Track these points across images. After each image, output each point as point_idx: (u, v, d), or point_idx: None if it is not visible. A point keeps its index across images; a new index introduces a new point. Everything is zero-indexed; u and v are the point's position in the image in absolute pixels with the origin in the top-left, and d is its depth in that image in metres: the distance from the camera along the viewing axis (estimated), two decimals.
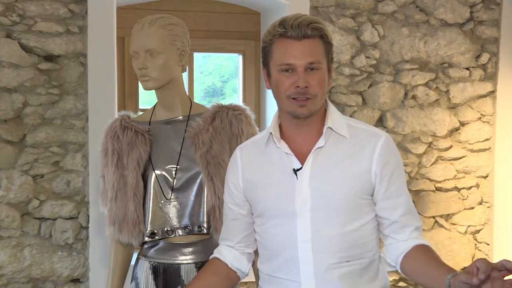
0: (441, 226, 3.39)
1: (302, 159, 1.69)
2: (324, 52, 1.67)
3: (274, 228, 1.72)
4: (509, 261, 1.41)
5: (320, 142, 1.69)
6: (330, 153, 1.69)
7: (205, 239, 2.07)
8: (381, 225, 1.73)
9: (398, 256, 1.70)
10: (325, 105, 1.73)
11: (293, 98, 1.65)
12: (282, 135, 1.74)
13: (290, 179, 1.69)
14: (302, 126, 1.70)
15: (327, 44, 1.68)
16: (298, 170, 1.69)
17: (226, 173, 1.85)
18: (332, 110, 1.73)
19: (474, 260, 3.42)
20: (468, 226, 3.43)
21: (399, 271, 1.71)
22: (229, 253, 1.84)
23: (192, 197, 2.05)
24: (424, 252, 1.66)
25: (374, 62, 3.25)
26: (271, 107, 3.25)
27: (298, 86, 1.64)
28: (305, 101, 1.65)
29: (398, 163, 1.73)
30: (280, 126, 1.75)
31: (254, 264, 2.18)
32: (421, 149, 3.33)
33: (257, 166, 1.76)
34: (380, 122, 3.27)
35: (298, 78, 1.64)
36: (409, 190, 3.30)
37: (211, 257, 1.87)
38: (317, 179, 1.67)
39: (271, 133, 1.74)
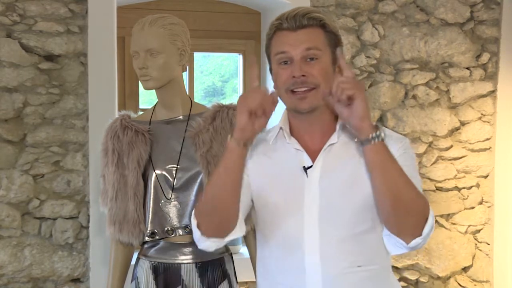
0: (442, 225, 3.39)
1: (312, 156, 1.60)
2: (325, 41, 1.58)
3: (280, 227, 1.61)
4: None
5: (333, 139, 1.60)
6: (342, 151, 1.59)
7: None
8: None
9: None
10: None
11: (292, 92, 1.57)
12: (292, 132, 1.65)
13: (299, 177, 1.60)
14: (312, 122, 1.62)
15: (330, 34, 1.59)
16: (308, 168, 1.59)
17: None
18: None
19: (474, 260, 3.43)
20: (469, 225, 3.43)
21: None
22: None
23: (192, 197, 2.05)
24: None
25: (375, 61, 3.24)
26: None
27: (294, 76, 1.55)
28: (305, 93, 1.56)
29: (410, 165, 1.58)
30: (289, 123, 1.66)
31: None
32: (421, 148, 3.33)
33: (265, 161, 1.66)
34: (380, 122, 3.27)
35: (294, 67, 1.56)
36: None
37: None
38: (327, 178, 1.58)
39: (281, 128, 1.66)
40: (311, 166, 1.60)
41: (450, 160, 3.38)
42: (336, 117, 1.63)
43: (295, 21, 1.58)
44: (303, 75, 1.56)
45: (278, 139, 1.67)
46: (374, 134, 1.48)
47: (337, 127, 1.61)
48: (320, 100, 1.56)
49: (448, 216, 3.40)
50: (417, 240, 1.52)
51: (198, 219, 1.61)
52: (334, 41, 1.60)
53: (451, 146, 3.38)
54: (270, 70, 1.67)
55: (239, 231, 1.63)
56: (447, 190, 3.39)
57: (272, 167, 1.65)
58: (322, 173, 1.59)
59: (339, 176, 1.58)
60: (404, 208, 1.49)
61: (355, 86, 1.48)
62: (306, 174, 1.60)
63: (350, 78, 1.49)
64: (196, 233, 1.63)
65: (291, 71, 1.57)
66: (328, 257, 1.56)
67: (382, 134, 1.49)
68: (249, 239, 2.15)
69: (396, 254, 1.61)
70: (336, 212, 1.57)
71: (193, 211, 1.64)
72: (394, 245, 1.57)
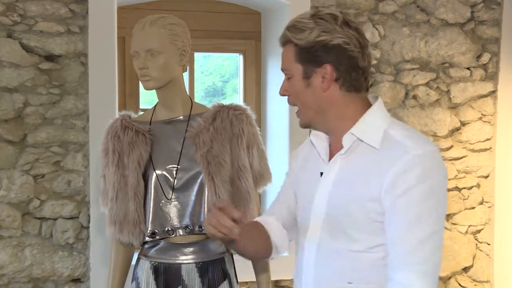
0: None
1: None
2: (295, 57, 1.52)
3: (297, 226, 1.66)
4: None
5: (342, 149, 1.53)
6: (356, 162, 1.51)
7: (205, 239, 2.07)
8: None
9: None
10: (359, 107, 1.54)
11: None
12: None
13: (316, 182, 1.58)
14: (325, 131, 1.59)
15: (302, 50, 1.51)
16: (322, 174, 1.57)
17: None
18: (370, 112, 1.53)
19: (474, 260, 3.43)
20: (469, 226, 3.43)
21: None
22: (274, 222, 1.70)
23: (192, 197, 2.05)
24: None
25: (375, 62, 3.25)
26: (272, 107, 3.26)
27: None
28: (297, 112, 1.58)
29: (420, 193, 1.42)
30: None
31: (254, 264, 2.19)
32: None
33: (302, 164, 1.67)
34: None
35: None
36: None
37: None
38: (336, 188, 1.53)
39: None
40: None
41: (451, 160, 3.38)
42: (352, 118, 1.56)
43: (281, 38, 1.58)
44: (285, 95, 1.58)
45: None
46: None
47: (344, 136, 1.53)
48: (309, 116, 1.55)
49: (448, 216, 3.40)
50: None
51: None
52: (308, 56, 1.51)
53: (452, 146, 3.38)
54: None
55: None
56: (448, 190, 3.38)
57: (305, 167, 1.66)
58: (334, 181, 1.54)
59: (347, 188, 1.52)
60: None
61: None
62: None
63: None
64: None
65: None
66: (321, 266, 1.55)
67: None
68: None
69: None
70: (339, 224, 1.53)
71: None
72: None
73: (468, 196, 3.42)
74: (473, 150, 3.40)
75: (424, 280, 1.42)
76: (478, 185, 3.43)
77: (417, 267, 1.42)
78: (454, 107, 3.37)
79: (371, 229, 1.49)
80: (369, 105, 1.56)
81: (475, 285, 3.45)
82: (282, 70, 1.57)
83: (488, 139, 3.41)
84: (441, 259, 1.47)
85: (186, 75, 2.68)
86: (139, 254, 2.15)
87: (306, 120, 1.57)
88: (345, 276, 1.52)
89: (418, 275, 1.42)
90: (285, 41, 1.55)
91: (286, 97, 1.59)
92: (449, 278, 3.41)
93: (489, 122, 3.41)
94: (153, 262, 2.07)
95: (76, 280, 2.94)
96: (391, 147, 1.48)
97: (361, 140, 1.51)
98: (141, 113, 2.27)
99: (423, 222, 1.43)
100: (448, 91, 3.36)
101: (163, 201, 2.06)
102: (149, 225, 2.07)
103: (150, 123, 2.13)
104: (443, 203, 1.47)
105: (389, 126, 1.52)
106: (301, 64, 1.53)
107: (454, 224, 3.40)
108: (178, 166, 2.06)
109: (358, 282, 1.50)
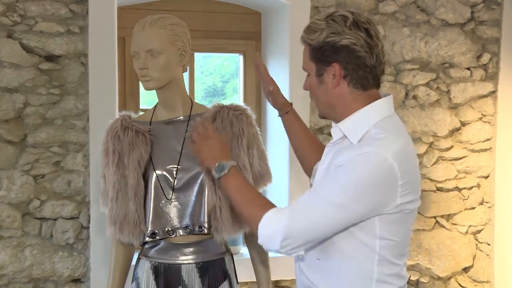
0: (442, 226, 3.39)
1: None
2: (310, 56, 1.69)
3: None
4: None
5: (331, 140, 1.75)
6: (338, 154, 1.66)
7: (206, 239, 2.07)
8: None
9: None
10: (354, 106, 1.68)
11: None
12: None
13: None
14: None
15: (313, 49, 1.67)
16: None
17: None
18: (361, 110, 1.66)
19: (474, 260, 3.43)
20: (469, 226, 3.43)
21: None
22: None
23: (193, 197, 2.05)
24: None
25: None
26: (272, 107, 3.25)
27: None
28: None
29: (333, 177, 1.62)
30: None
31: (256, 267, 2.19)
32: (422, 149, 3.33)
33: None
34: None
35: None
36: None
37: None
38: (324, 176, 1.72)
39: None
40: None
41: (451, 160, 3.38)
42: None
43: (300, 38, 1.73)
44: (307, 89, 1.77)
45: None
46: (216, 174, 1.79)
47: (332, 131, 1.75)
48: (322, 109, 1.74)
49: (448, 217, 3.40)
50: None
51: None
52: (317, 55, 1.67)
53: (452, 147, 3.38)
54: None
55: None
56: (448, 190, 3.39)
57: None
58: (326, 169, 1.72)
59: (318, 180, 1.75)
60: (244, 219, 1.79)
61: (195, 139, 1.90)
62: None
63: (196, 131, 1.90)
64: None
65: None
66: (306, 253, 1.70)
67: (223, 173, 1.77)
68: (251, 238, 2.15)
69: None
70: None
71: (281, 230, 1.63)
72: None
73: (468, 196, 3.42)
74: (473, 150, 3.40)
75: (292, 216, 1.60)
76: (478, 185, 3.43)
77: (294, 205, 1.63)
78: (454, 107, 3.37)
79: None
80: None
81: (475, 285, 3.45)
82: (303, 68, 1.75)
83: (488, 139, 3.41)
84: (325, 232, 1.61)
85: (186, 75, 2.68)
86: (139, 254, 2.15)
87: (321, 112, 1.76)
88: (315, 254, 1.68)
89: (290, 209, 1.62)
90: (303, 41, 1.71)
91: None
92: (449, 278, 3.42)
93: (489, 122, 3.41)
94: (153, 262, 2.08)
95: (76, 280, 2.94)
96: (362, 143, 1.62)
97: (345, 136, 1.67)
98: (141, 113, 2.27)
99: (326, 188, 1.60)
100: (448, 91, 3.36)
101: (163, 201, 2.06)
102: (149, 225, 2.07)
103: (150, 123, 2.13)
104: (359, 197, 1.57)
105: (376, 124, 1.63)
106: (314, 63, 1.68)
107: (454, 224, 3.41)
108: (178, 166, 2.06)
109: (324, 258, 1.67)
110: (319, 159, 1.80)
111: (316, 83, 1.69)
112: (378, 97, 1.68)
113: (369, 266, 1.63)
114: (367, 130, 1.63)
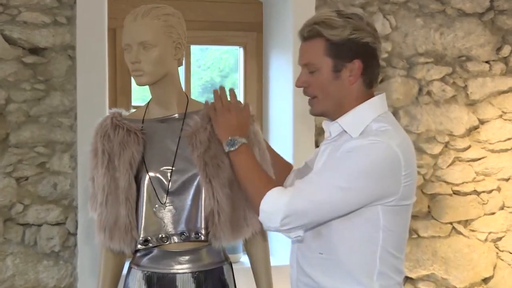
0: (459, 233, 3.39)
1: None
2: (325, 51, 1.79)
3: None
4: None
5: (329, 137, 1.88)
6: (335, 150, 1.82)
7: (202, 246, 2.07)
8: None
9: None
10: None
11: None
12: None
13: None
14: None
15: (333, 45, 1.79)
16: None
17: None
18: (359, 107, 1.82)
19: (495, 270, 3.43)
20: (489, 233, 3.43)
21: None
22: None
23: (188, 201, 2.05)
24: None
25: (386, 55, 3.25)
26: (274, 103, 3.26)
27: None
28: (310, 100, 1.88)
29: (330, 163, 1.80)
30: None
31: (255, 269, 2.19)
32: (437, 149, 3.33)
33: None
34: None
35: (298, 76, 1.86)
36: (424, 193, 3.31)
37: None
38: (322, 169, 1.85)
39: None
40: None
41: (468, 161, 3.38)
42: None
43: (302, 32, 1.84)
44: (304, 86, 1.86)
45: None
46: (226, 147, 1.93)
47: (330, 126, 1.89)
48: (327, 106, 1.84)
49: (466, 223, 3.41)
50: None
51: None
52: (338, 51, 1.79)
53: (469, 147, 3.38)
54: None
55: None
56: (465, 194, 3.39)
57: None
58: (323, 163, 1.87)
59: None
60: (248, 196, 1.92)
61: (212, 108, 2.01)
62: None
63: (221, 100, 2.01)
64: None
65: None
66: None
67: (233, 148, 1.91)
68: (251, 246, 2.15)
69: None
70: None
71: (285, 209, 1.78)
72: None
73: (488, 201, 3.42)
74: (492, 151, 3.41)
75: (295, 195, 1.76)
76: (498, 189, 3.43)
77: (298, 185, 1.78)
78: (472, 104, 3.38)
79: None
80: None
81: None
82: (304, 63, 1.83)
83: (509, 139, 3.42)
84: (326, 215, 1.76)
85: (181, 70, 2.68)
86: (130, 263, 2.15)
87: (323, 109, 1.86)
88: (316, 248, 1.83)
89: (294, 189, 1.78)
90: (313, 35, 1.80)
91: (297, 89, 1.89)
92: None
93: (510, 120, 3.42)
94: (145, 272, 2.08)
95: None
96: (365, 135, 1.78)
97: (345, 131, 1.82)
98: (133, 110, 2.28)
99: (333, 171, 1.75)
100: (465, 87, 3.36)
101: (156, 206, 2.06)
102: (142, 232, 2.07)
103: (143, 122, 2.13)
104: (366, 182, 1.72)
105: (375, 119, 1.81)
106: (331, 58, 1.79)
107: (473, 231, 3.41)
108: (173, 168, 2.06)
109: (326, 253, 1.81)
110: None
111: (330, 79, 1.81)
112: (373, 95, 1.87)
113: (372, 258, 1.78)
114: (367, 125, 1.80)
